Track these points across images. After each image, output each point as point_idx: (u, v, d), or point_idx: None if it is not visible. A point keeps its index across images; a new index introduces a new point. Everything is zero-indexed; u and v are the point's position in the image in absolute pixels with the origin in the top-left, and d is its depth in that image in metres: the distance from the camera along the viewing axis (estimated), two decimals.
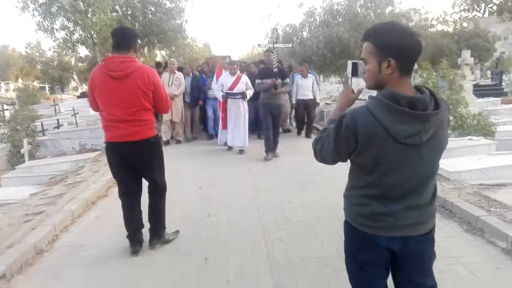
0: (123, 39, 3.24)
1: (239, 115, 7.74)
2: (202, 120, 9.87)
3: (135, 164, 3.37)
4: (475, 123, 8.63)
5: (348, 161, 1.66)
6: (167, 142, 8.82)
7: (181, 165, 6.79)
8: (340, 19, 9.71)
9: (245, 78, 7.66)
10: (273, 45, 7.44)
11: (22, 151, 8.90)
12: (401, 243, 1.62)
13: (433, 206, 1.65)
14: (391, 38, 1.49)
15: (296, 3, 11.46)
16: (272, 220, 4.24)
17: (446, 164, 5.70)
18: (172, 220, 4.13)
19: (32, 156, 9.19)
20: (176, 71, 8.69)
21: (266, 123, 7.26)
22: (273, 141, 7.30)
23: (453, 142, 7.35)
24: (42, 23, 9.20)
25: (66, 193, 5.40)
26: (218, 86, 7.87)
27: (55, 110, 20.26)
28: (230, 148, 8.01)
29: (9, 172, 8.28)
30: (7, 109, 20.22)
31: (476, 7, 4.11)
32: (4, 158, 10.28)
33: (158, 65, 10.72)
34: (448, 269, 3.07)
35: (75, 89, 36.58)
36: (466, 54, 12.31)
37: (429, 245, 1.69)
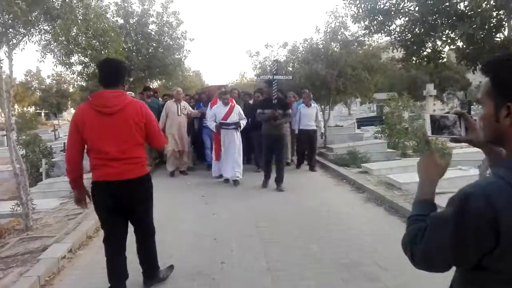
0: (112, 74, 3.10)
1: (232, 145, 7.60)
2: (197, 149, 10.05)
3: (125, 205, 3.14)
4: (432, 147, 10.14)
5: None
6: (172, 174, 8.75)
7: (184, 189, 7.59)
8: (318, 58, 11.36)
9: (238, 108, 7.66)
10: (273, 77, 7.36)
11: (41, 170, 10.12)
12: None
13: None
14: None
15: (281, 43, 13.04)
16: (261, 216, 5.61)
17: (399, 177, 7.17)
18: (183, 217, 5.49)
19: (48, 175, 10.39)
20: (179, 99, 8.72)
21: (267, 154, 7.32)
22: (278, 175, 7.21)
23: (411, 161, 8.89)
24: (62, 58, 10.51)
25: None
26: (211, 117, 7.73)
27: (54, 135, 21.47)
28: (227, 180, 7.83)
29: (31, 188, 9.45)
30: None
31: (408, 58, 5.61)
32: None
33: (146, 88, 10.65)
34: (388, 246, 4.44)
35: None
36: (430, 87, 14.06)
37: None
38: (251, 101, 9.78)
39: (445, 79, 26.58)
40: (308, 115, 8.99)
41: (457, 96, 34.20)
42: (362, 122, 21.47)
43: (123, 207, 3.15)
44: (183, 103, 8.86)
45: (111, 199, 3.08)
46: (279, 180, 7.19)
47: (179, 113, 8.64)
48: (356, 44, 12.25)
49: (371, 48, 13.11)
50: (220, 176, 8.02)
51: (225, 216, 5.65)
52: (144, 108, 3.17)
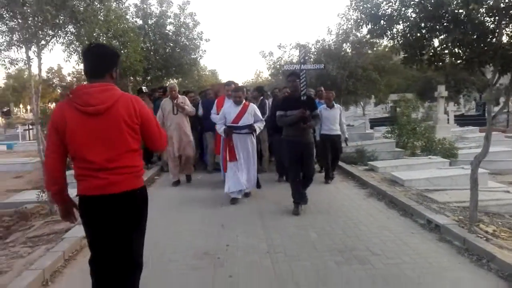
0: (98, 62, 2.53)
1: (247, 154, 6.32)
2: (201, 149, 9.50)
3: (114, 224, 2.52)
4: (440, 146, 10.39)
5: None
6: (177, 183, 7.74)
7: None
8: (329, 59, 11.69)
9: (253, 108, 6.30)
10: (300, 67, 5.89)
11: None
12: None
13: None
14: None
15: (294, 44, 13.42)
16: (266, 207, 6.04)
17: (403, 174, 7.46)
18: (195, 199, 5.93)
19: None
20: (179, 95, 7.76)
21: (294, 171, 5.73)
22: (303, 193, 5.76)
23: (416, 159, 9.15)
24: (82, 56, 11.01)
25: None
26: (220, 119, 6.36)
27: None
28: (234, 201, 6.25)
29: None
30: (31, 128, 22.28)
31: (408, 61, 5.90)
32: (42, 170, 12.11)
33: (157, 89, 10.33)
34: (382, 234, 4.77)
35: None
36: (441, 88, 14.19)
37: None
38: (268, 100, 9.02)
39: (460, 81, 26.42)
40: (331, 118, 7.77)
41: (474, 98, 33.89)
42: (375, 123, 21.67)
43: (109, 226, 2.51)
44: (181, 99, 7.66)
45: (99, 217, 2.49)
46: (304, 198, 5.78)
47: (175, 111, 7.54)
48: (368, 45, 12.55)
49: (384, 48, 13.35)
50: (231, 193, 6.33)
51: (232, 209, 6.04)
52: (138, 104, 2.55)
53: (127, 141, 2.49)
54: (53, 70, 32.66)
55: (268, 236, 4.72)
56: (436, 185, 7.03)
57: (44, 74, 33.17)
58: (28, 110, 40.55)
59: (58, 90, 31.34)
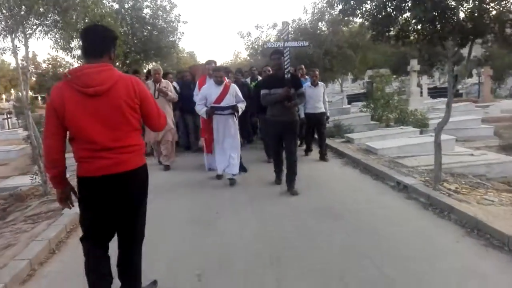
0: (96, 42, 2.52)
1: (228, 135, 6.23)
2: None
3: (118, 202, 2.60)
4: (412, 117, 10.98)
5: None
6: (161, 163, 7.75)
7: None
8: (307, 38, 12.04)
9: (234, 88, 6.21)
10: (284, 44, 5.86)
11: None
12: None
13: None
14: None
15: (271, 24, 13.70)
16: (251, 179, 6.45)
17: (377, 144, 7.98)
18: (182, 176, 6.28)
19: None
20: (162, 79, 7.52)
21: (276, 148, 5.98)
22: (289, 172, 5.67)
23: (389, 130, 9.72)
24: (61, 43, 11.02)
25: None
26: (200, 99, 6.21)
27: None
28: (220, 177, 6.51)
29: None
30: (9, 117, 22.11)
31: (376, 37, 6.31)
32: (26, 157, 12.22)
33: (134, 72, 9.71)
34: (356, 195, 5.27)
35: None
36: (413, 62, 14.75)
37: None
38: (246, 79, 9.44)
39: (434, 55, 27.13)
40: (316, 96, 7.76)
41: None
42: (353, 98, 22.26)
43: (114, 205, 2.60)
44: (164, 83, 7.47)
45: (103, 197, 2.55)
46: (291, 180, 5.63)
47: (157, 95, 7.19)
48: (342, 23, 12.92)
49: (359, 26, 13.73)
50: (212, 170, 6.69)
51: (218, 183, 6.41)
52: (137, 86, 2.59)
53: (129, 121, 2.53)
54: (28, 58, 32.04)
55: (253, 202, 5.18)
56: (407, 152, 7.57)
57: (20, 62, 32.53)
58: (4, 99, 39.73)
59: (33, 78, 30.85)
